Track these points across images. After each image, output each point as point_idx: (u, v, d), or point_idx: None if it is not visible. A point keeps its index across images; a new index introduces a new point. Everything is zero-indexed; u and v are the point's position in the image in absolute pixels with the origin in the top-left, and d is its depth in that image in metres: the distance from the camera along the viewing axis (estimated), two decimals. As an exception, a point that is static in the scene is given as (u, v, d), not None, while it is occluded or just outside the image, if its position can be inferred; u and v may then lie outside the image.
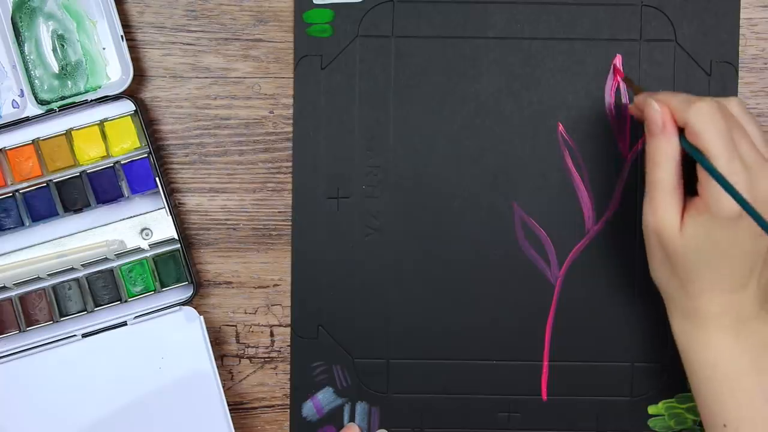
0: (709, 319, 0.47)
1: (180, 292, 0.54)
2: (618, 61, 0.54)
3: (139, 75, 0.55)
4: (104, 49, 0.53)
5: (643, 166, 0.54)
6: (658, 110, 0.46)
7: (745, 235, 0.45)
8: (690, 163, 0.46)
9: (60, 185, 0.53)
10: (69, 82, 0.53)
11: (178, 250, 0.54)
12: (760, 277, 0.47)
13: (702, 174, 0.45)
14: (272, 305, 0.55)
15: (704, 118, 0.45)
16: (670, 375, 0.55)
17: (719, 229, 0.45)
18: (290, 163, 0.55)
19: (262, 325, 0.55)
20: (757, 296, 0.47)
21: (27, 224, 0.53)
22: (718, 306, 0.47)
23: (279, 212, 0.55)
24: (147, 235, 0.54)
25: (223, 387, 0.53)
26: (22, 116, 0.53)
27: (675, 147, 0.46)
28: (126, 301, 0.54)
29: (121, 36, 0.53)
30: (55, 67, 0.53)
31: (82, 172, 0.53)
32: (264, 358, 0.55)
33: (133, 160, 0.53)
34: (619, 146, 0.54)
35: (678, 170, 0.46)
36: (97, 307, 0.54)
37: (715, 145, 0.44)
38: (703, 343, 0.47)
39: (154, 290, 0.54)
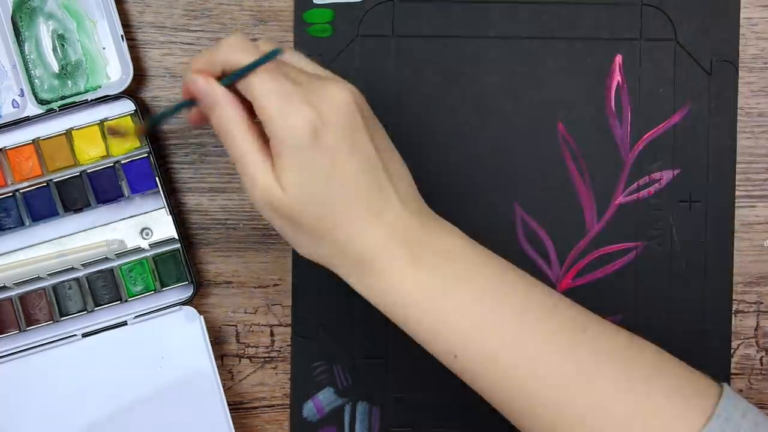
0: (376, 261, 0.42)
1: (180, 292, 0.54)
2: (618, 60, 0.54)
3: (139, 75, 0.55)
4: (104, 48, 0.53)
5: (642, 166, 0.54)
6: (198, 79, 0.41)
7: (338, 151, 0.41)
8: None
9: (60, 185, 0.53)
10: (69, 82, 0.53)
11: (178, 249, 0.54)
12: (400, 186, 0.44)
13: (260, 112, 0.41)
14: (272, 305, 0.55)
15: (235, 47, 0.41)
16: (671, 374, 0.54)
17: (308, 159, 0.41)
18: (290, 163, 0.55)
19: (262, 325, 0.55)
20: (407, 209, 0.43)
21: (27, 224, 0.53)
22: (373, 241, 0.42)
23: (279, 212, 0.55)
24: (147, 234, 0.54)
25: (223, 387, 0.53)
26: (22, 116, 0.53)
27: (236, 105, 0.41)
28: (126, 301, 0.54)
29: (121, 36, 0.53)
30: (55, 67, 0.53)
31: (82, 171, 0.53)
32: (264, 357, 0.55)
33: (133, 160, 0.53)
34: (619, 146, 0.54)
35: (252, 132, 0.42)
36: (97, 306, 0.54)
37: (245, 60, 0.41)
38: (395, 290, 0.42)
39: (154, 290, 0.54)
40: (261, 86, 0.41)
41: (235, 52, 0.41)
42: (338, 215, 0.42)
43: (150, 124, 0.51)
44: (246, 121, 0.42)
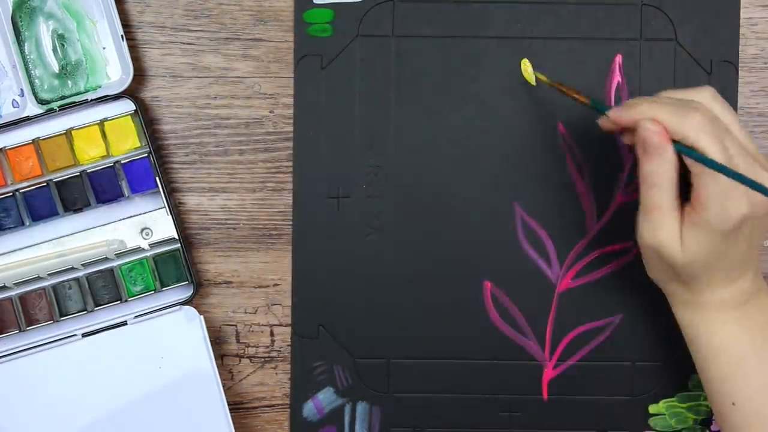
0: (713, 309, 0.47)
1: (180, 292, 0.54)
2: (618, 60, 0.54)
3: (139, 75, 0.55)
4: (104, 48, 0.53)
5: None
6: (654, 130, 0.44)
7: (744, 238, 0.46)
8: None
9: (60, 185, 0.53)
10: (69, 82, 0.53)
11: (178, 249, 0.54)
12: (756, 261, 0.48)
13: (700, 185, 0.44)
14: (272, 305, 0.55)
15: (700, 129, 0.44)
16: (671, 374, 0.54)
17: (720, 240, 0.45)
18: (290, 163, 0.55)
19: (262, 325, 0.55)
20: (754, 279, 0.48)
21: (27, 224, 0.53)
22: (720, 296, 0.47)
23: (279, 212, 0.55)
24: (147, 234, 0.54)
25: (223, 387, 0.53)
26: (22, 116, 0.53)
27: (673, 165, 0.45)
28: (126, 301, 0.54)
29: (121, 36, 0.53)
30: (55, 67, 0.53)
31: (82, 171, 0.53)
32: (264, 357, 0.55)
33: (133, 160, 0.53)
34: (619, 146, 0.54)
35: (676, 189, 0.45)
36: (97, 306, 0.54)
37: (713, 152, 0.44)
38: (709, 331, 0.48)
39: (154, 290, 0.54)
40: (711, 171, 0.44)
41: (700, 136, 0.44)
42: (708, 280, 0.47)
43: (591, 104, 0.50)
44: (676, 181, 0.45)
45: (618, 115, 0.46)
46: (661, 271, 0.48)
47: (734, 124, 0.46)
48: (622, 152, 0.54)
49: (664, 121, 0.45)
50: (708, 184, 0.44)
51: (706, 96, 0.46)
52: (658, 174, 0.45)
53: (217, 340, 0.55)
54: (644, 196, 0.46)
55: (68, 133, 0.53)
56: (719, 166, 0.43)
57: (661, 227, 0.45)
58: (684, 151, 0.44)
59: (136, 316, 0.54)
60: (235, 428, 0.53)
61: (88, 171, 0.53)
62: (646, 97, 0.47)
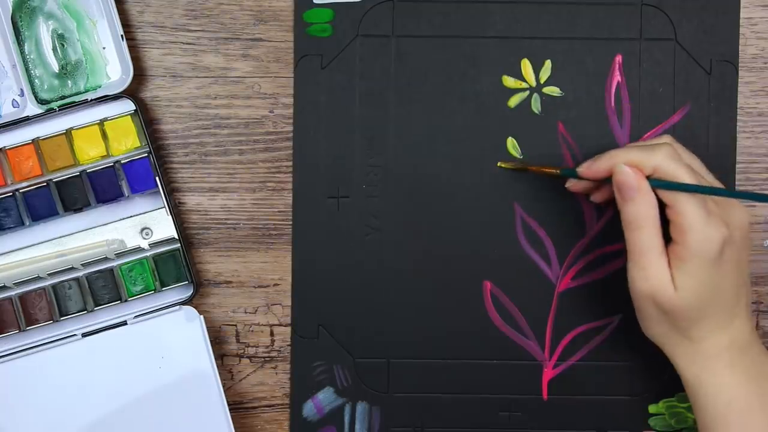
0: (715, 359, 0.47)
1: (180, 292, 0.54)
2: (618, 60, 0.54)
3: (139, 74, 0.55)
4: (104, 48, 0.53)
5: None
6: (630, 173, 0.46)
7: (730, 265, 0.46)
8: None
9: (60, 185, 0.53)
10: (69, 82, 0.53)
11: (178, 249, 0.54)
12: (746, 300, 0.48)
13: (679, 216, 0.45)
14: (272, 305, 0.55)
15: (669, 157, 0.45)
16: (671, 374, 0.54)
17: (708, 269, 0.45)
18: (290, 163, 0.55)
19: (262, 325, 0.55)
20: (747, 322, 0.48)
21: (27, 224, 0.53)
22: (720, 343, 0.47)
23: (279, 212, 0.55)
24: (147, 234, 0.54)
25: (223, 387, 0.53)
26: (22, 116, 0.53)
27: (654, 203, 0.46)
28: (126, 301, 0.54)
29: (121, 35, 0.53)
30: (55, 67, 0.53)
31: (82, 171, 0.53)
32: (264, 357, 0.55)
33: (133, 160, 0.53)
34: (620, 146, 0.54)
35: (659, 227, 0.46)
36: (97, 306, 0.54)
37: (685, 176, 0.45)
38: (716, 385, 0.47)
39: (154, 290, 0.54)
40: (688, 197, 0.45)
41: (671, 163, 0.45)
42: (707, 325, 0.47)
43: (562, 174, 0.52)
44: (658, 220, 0.46)
45: (590, 169, 0.48)
46: (658, 322, 0.48)
47: (696, 161, 0.49)
48: (622, 152, 0.54)
49: (634, 160, 0.46)
50: (687, 212, 0.45)
51: (666, 139, 0.49)
52: (641, 214, 0.46)
53: (217, 340, 0.55)
54: (631, 242, 0.46)
55: (68, 133, 0.53)
56: (696, 186, 0.45)
57: (653, 272, 0.46)
58: (659, 184, 0.45)
59: (136, 316, 0.54)
60: (235, 428, 0.53)
61: (88, 171, 0.53)
62: (609, 150, 0.48)
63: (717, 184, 0.49)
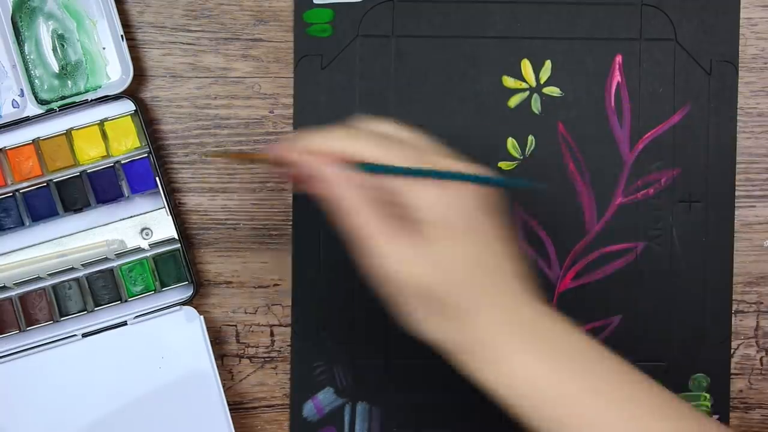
0: (504, 345, 0.41)
1: (180, 292, 0.54)
2: (618, 60, 0.54)
3: (139, 75, 0.55)
4: (104, 48, 0.53)
5: (642, 166, 0.54)
6: (315, 160, 0.41)
7: (470, 236, 0.42)
8: None
9: (60, 185, 0.53)
10: (69, 82, 0.53)
11: (178, 249, 0.54)
12: (511, 265, 0.43)
13: (399, 193, 0.41)
14: (272, 305, 0.55)
15: (347, 137, 0.42)
16: (671, 374, 0.54)
17: (451, 236, 0.41)
18: (290, 163, 0.55)
19: (262, 325, 0.55)
20: (522, 294, 0.42)
21: (27, 224, 0.53)
22: (495, 319, 0.41)
23: (279, 212, 0.55)
24: (147, 234, 0.54)
25: (223, 387, 0.53)
26: (22, 116, 0.53)
27: (351, 182, 0.41)
28: (126, 301, 0.54)
29: (121, 36, 0.53)
30: (55, 67, 0.53)
31: (82, 171, 0.53)
32: (264, 357, 0.55)
33: (133, 160, 0.53)
34: (619, 146, 0.54)
35: (376, 210, 0.41)
36: (97, 306, 0.54)
37: (371, 155, 0.41)
38: (518, 376, 0.41)
39: (154, 290, 0.54)
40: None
41: (351, 143, 0.41)
42: (474, 302, 0.41)
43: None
44: (369, 199, 0.41)
45: (277, 153, 0.43)
46: (427, 315, 0.42)
47: (398, 131, 0.44)
48: (622, 152, 0.54)
49: (321, 148, 0.42)
50: (403, 188, 0.41)
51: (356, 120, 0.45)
52: (342, 196, 0.41)
53: (217, 340, 0.55)
54: (349, 228, 0.41)
55: (68, 133, 0.53)
56: (403, 169, 0.41)
57: (390, 250, 0.41)
58: (368, 168, 0.41)
59: (136, 316, 0.54)
60: (235, 428, 0.53)
61: (88, 171, 0.53)
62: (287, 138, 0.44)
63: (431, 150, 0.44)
